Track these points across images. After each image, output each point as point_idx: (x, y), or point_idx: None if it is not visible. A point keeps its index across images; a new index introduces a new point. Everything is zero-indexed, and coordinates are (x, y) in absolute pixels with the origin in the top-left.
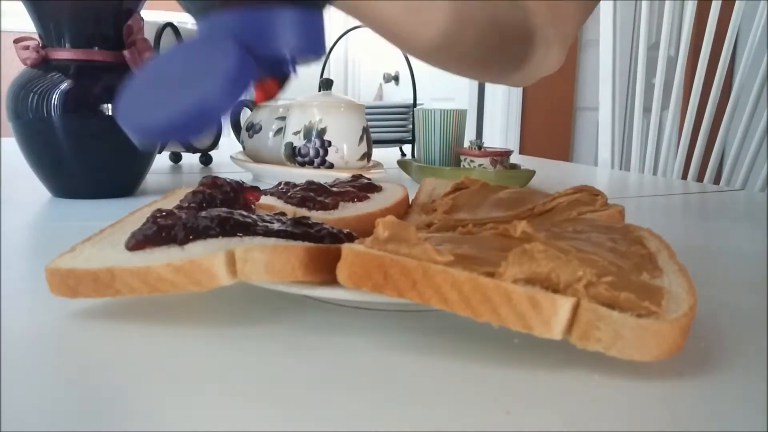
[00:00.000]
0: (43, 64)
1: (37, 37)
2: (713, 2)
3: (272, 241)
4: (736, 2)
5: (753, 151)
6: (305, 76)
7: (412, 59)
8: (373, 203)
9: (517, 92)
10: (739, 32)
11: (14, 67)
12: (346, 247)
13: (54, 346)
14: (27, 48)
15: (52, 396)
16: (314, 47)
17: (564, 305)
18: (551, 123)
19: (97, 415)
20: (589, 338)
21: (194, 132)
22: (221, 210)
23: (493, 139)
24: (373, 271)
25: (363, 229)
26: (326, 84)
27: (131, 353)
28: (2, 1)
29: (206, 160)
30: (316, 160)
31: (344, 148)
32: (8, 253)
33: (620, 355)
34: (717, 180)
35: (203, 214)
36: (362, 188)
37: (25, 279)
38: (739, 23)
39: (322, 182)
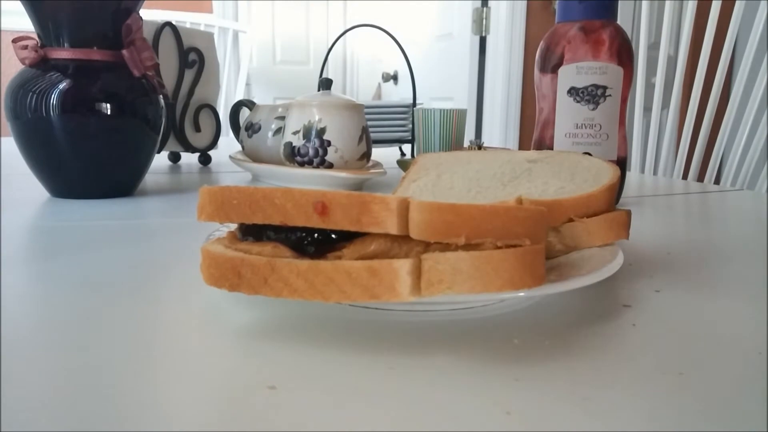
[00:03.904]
0: (42, 64)
1: (35, 36)
2: (713, 2)
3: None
4: (736, 2)
5: (753, 150)
6: (304, 75)
7: (411, 58)
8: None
9: (516, 92)
10: (739, 32)
11: (13, 66)
12: (204, 249)
13: (54, 346)
14: (26, 47)
15: (52, 396)
16: None
17: (403, 265)
18: None
19: (105, 415)
20: (433, 284)
21: None
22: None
23: (492, 139)
24: (228, 272)
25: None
26: (325, 83)
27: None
28: (2, 1)
29: (205, 159)
30: (316, 160)
31: (343, 147)
32: (7, 253)
33: (463, 291)
34: (717, 180)
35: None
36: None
37: (25, 279)
38: (739, 23)
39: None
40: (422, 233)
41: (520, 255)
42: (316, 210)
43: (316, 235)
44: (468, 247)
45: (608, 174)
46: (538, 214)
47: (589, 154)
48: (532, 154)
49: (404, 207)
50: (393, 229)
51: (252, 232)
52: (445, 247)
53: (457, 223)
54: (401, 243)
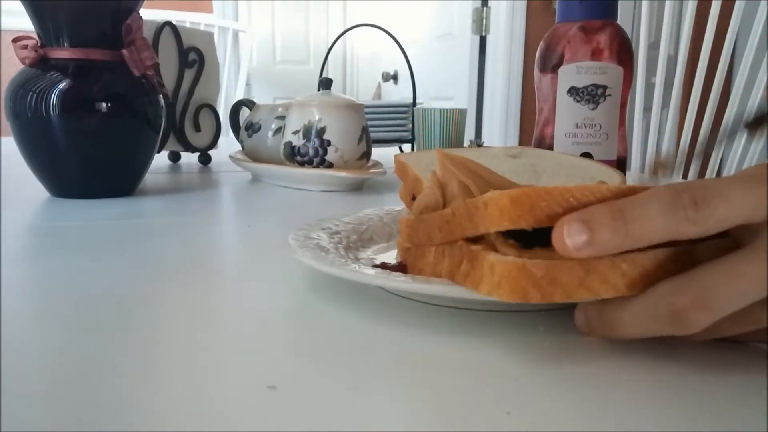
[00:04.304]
0: (42, 64)
1: (35, 36)
2: (713, 1)
3: None
4: (736, 1)
5: (753, 150)
6: (304, 75)
7: (411, 57)
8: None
9: (516, 91)
10: (739, 31)
11: (13, 66)
12: (503, 262)
13: (54, 345)
14: (25, 47)
15: (52, 396)
16: None
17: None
18: None
19: (104, 415)
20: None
21: None
22: None
23: (492, 138)
24: (540, 280)
25: None
26: (325, 83)
27: (134, 353)
28: (2, 1)
29: (205, 159)
30: (316, 160)
31: (343, 147)
32: (7, 253)
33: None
34: None
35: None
36: None
37: (25, 279)
38: (739, 22)
39: None
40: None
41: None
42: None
43: None
44: None
45: (614, 177)
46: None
47: (590, 155)
48: (509, 149)
49: None
50: None
51: (532, 239)
52: None
53: None
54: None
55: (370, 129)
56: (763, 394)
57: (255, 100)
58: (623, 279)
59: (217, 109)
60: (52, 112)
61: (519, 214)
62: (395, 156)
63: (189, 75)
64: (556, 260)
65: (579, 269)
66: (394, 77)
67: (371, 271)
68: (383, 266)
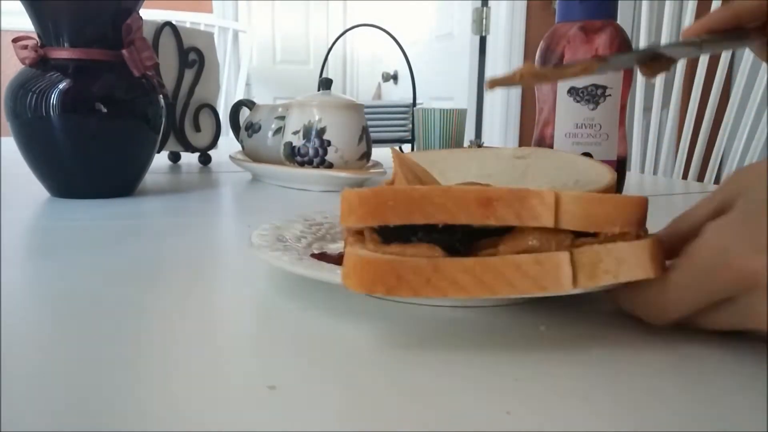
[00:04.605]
0: (42, 64)
1: (35, 36)
2: (713, 1)
3: None
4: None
5: (753, 150)
6: (304, 75)
7: (411, 58)
8: None
9: (516, 91)
10: None
11: (13, 66)
12: (354, 254)
13: (54, 345)
14: (25, 47)
15: (52, 396)
16: None
17: (563, 258)
18: None
19: (103, 415)
20: (597, 274)
21: None
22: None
23: (492, 138)
24: (386, 275)
25: None
26: (325, 83)
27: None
28: (2, 1)
29: (205, 159)
30: (316, 160)
31: (343, 147)
32: (7, 253)
33: (628, 278)
34: (717, 180)
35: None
36: None
37: (24, 279)
38: None
39: None
40: (579, 224)
41: (657, 242)
42: (481, 205)
43: (458, 234)
44: (611, 237)
45: (605, 173)
46: (646, 202)
47: (590, 155)
48: (517, 150)
49: (557, 201)
50: (549, 222)
51: (395, 235)
52: (592, 239)
53: (613, 214)
54: (549, 236)
55: (370, 129)
56: (763, 394)
57: (255, 100)
58: (473, 280)
59: (217, 109)
60: (52, 112)
61: (365, 213)
62: (392, 149)
63: (189, 75)
64: (407, 257)
65: (428, 268)
66: (394, 77)
67: (286, 257)
68: (320, 256)
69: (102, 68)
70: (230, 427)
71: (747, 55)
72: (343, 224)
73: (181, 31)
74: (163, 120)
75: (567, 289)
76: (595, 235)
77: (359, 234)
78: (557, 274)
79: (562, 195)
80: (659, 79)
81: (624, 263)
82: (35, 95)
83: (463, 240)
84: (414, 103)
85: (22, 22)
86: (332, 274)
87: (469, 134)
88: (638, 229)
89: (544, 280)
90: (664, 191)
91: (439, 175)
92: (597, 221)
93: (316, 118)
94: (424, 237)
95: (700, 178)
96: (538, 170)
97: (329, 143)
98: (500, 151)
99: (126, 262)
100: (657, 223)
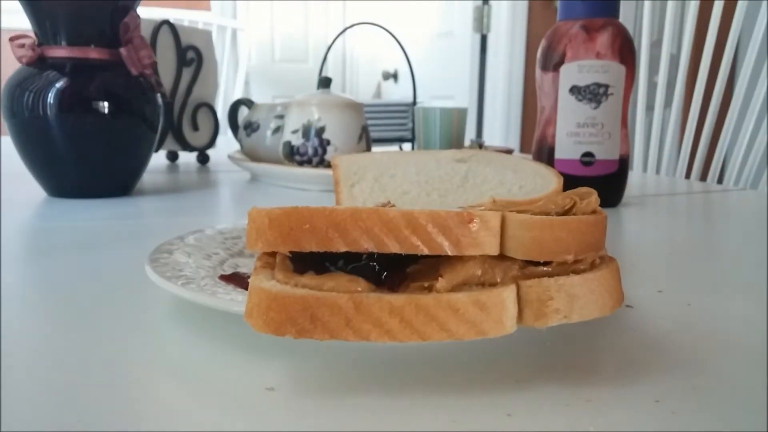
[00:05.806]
0: (39, 62)
1: (32, 34)
2: (716, 0)
3: None
4: (739, 0)
5: (756, 149)
6: (304, 74)
7: (411, 56)
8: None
9: (517, 90)
10: (742, 29)
11: (10, 65)
12: (257, 288)
13: (54, 346)
14: (23, 46)
15: (52, 396)
16: None
17: (509, 296)
18: None
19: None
20: (547, 313)
21: None
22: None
23: (493, 138)
24: (297, 315)
25: None
26: (325, 82)
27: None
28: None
29: (203, 158)
30: (315, 159)
31: (343, 146)
32: (5, 254)
33: (581, 318)
34: (720, 179)
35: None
36: None
37: (23, 279)
38: (742, 20)
39: None
40: (529, 252)
41: (615, 271)
42: (412, 231)
43: (379, 262)
44: (565, 266)
45: (551, 177)
46: (604, 221)
47: (592, 154)
48: (457, 153)
49: (503, 225)
50: (494, 250)
51: (310, 263)
52: (542, 269)
53: (567, 239)
54: (493, 263)
55: (370, 128)
56: (763, 394)
57: (254, 99)
58: (400, 324)
59: (216, 108)
60: (49, 112)
61: (276, 236)
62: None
63: (187, 74)
64: (323, 292)
65: (348, 307)
66: (394, 76)
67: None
68: (230, 277)
69: (99, 67)
70: (230, 428)
71: (750, 54)
72: (249, 249)
73: (179, 30)
74: (161, 119)
75: (510, 330)
76: (546, 263)
77: (271, 256)
78: (500, 316)
79: (509, 218)
80: (662, 78)
81: (577, 300)
82: (32, 94)
83: (392, 269)
84: (414, 102)
85: (19, 20)
86: (229, 302)
87: (469, 133)
88: (596, 254)
89: (485, 323)
90: (667, 191)
91: (374, 181)
92: (548, 249)
93: (316, 117)
94: (345, 266)
95: (703, 177)
96: (479, 175)
97: (328, 142)
98: (440, 155)
99: (123, 262)
100: (659, 222)
